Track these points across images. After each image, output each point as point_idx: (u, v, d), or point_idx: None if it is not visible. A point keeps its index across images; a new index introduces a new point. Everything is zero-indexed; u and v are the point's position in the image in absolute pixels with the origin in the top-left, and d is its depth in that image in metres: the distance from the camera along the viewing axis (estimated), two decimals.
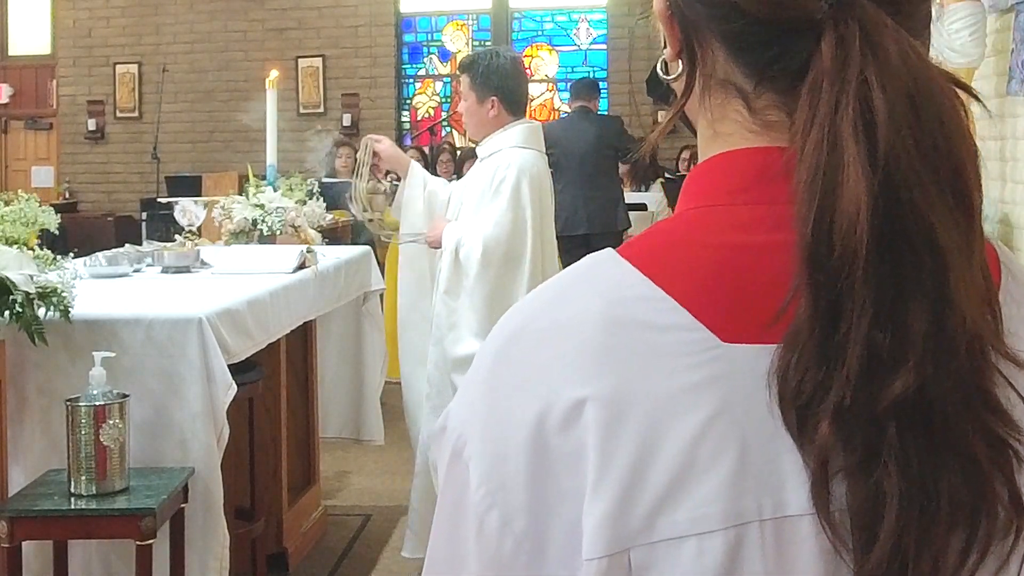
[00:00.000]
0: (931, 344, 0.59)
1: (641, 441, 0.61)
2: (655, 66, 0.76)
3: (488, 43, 11.56)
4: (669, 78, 0.74)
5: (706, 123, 0.72)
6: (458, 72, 3.91)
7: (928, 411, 0.59)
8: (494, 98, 3.72)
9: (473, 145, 4.85)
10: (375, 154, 3.96)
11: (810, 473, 0.60)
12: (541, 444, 0.63)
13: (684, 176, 7.97)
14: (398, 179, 4.05)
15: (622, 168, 8.09)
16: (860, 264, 0.59)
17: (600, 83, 8.25)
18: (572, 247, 7.42)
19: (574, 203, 7.35)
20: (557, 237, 7.48)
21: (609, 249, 0.69)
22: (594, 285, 0.67)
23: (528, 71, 11.47)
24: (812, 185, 0.61)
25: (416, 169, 3.99)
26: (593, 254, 0.70)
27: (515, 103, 3.79)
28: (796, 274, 0.61)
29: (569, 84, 11.52)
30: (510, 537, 0.64)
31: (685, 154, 9.20)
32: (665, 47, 0.74)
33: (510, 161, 3.66)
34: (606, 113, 8.03)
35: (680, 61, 0.73)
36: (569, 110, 8.48)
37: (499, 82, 3.73)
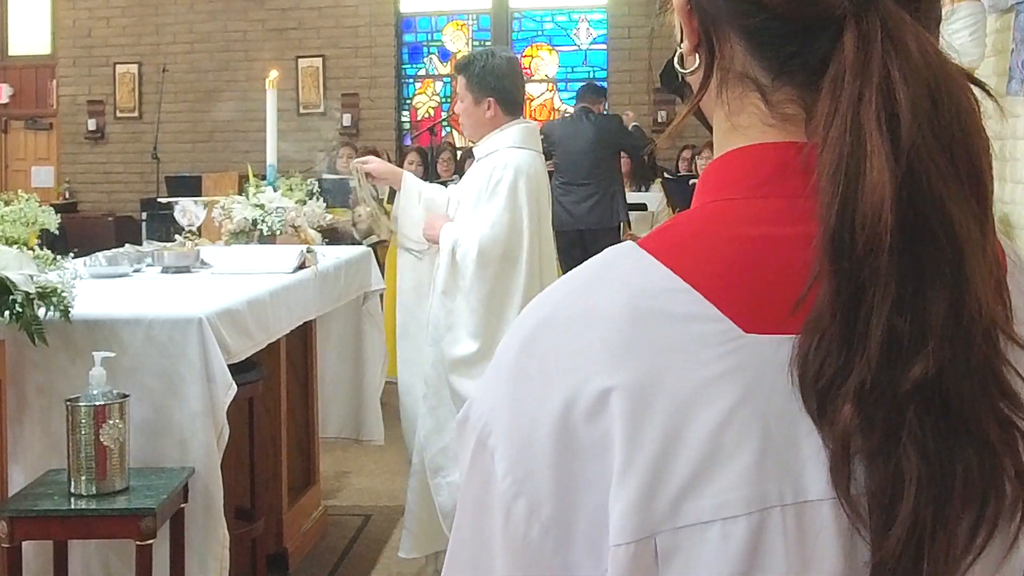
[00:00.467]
0: (949, 330, 0.61)
1: (666, 430, 0.63)
2: (670, 59, 0.76)
3: (488, 43, 11.56)
4: (686, 71, 0.75)
5: (723, 116, 0.73)
6: (454, 73, 3.89)
7: (945, 394, 0.61)
8: (491, 99, 3.72)
9: (472, 145, 4.83)
10: (367, 175, 3.96)
11: (829, 455, 0.62)
12: (568, 433, 0.64)
13: (684, 175, 8.00)
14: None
15: (624, 167, 8.11)
16: (884, 252, 0.61)
17: (603, 87, 8.31)
18: (567, 244, 7.44)
19: (569, 200, 7.41)
20: (559, 233, 7.43)
21: (630, 242, 0.70)
22: (618, 277, 0.68)
23: (528, 71, 11.54)
24: (836, 175, 0.62)
25: (409, 180, 3.98)
26: (614, 246, 0.71)
27: (512, 103, 3.78)
28: (818, 261, 0.62)
29: (568, 84, 11.57)
30: (537, 524, 0.65)
31: (686, 153, 9.20)
32: (682, 41, 0.74)
33: (507, 161, 3.66)
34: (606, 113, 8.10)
35: (697, 55, 0.73)
36: (572, 111, 8.52)
37: (495, 83, 3.72)
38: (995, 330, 0.63)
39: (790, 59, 0.68)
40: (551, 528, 0.65)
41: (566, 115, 9.28)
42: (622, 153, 7.92)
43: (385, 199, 7.42)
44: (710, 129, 0.76)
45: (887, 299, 0.61)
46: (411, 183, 3.97)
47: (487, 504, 0.67)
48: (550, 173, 7.47)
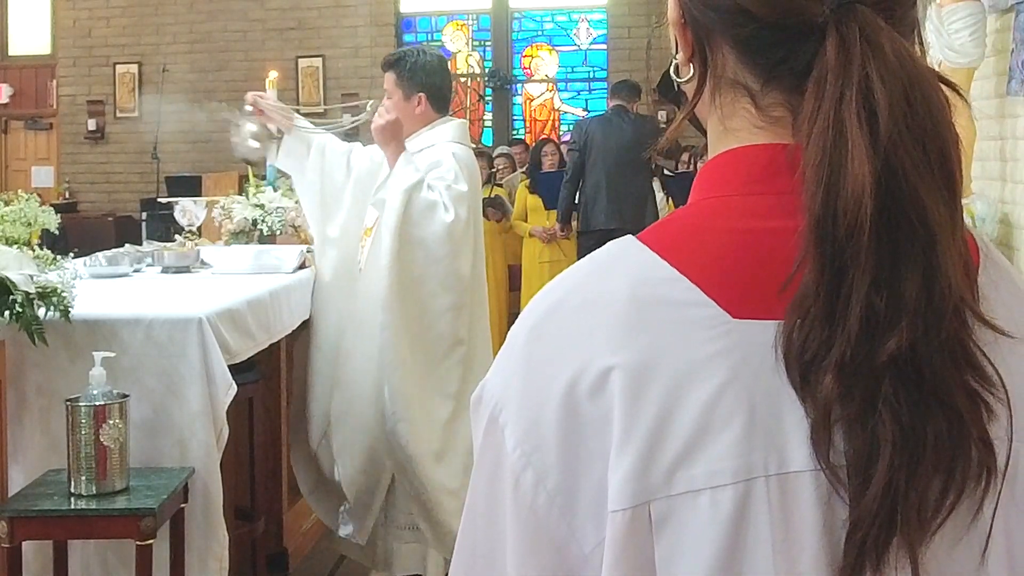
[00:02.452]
0: (922, 307, 0.67)
1: (662, 405, 0.68)
2: (666, 70, 0.82)
3: (488, 43, 11.56)
4: (682, 80, 0.81)
5: (716, 120, 0.79)
6: (383, 69, 3.84)
7: (918, 366, 0.67)
8: (421, 95, 3.72)
9: (474, 145, 4.79)
10: (257, 113, 3.88)
11: (811, 424, 0.67)
12: (572, 409, 0.70)
13: (682, 172, 7.99)
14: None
15: None
16: (864, 236, 0.66)
17: (638, 85, 8.18)
18: (594, 244, 7.38)
19: (601, 199, 7.33)
20: (582, 232, 7.41)
21: (629, 236, 0.76)
22: (619, 268, 0.74)
23: (528, 71, 11.55)
24: (820, 166, 0.68)
25: (299, 122, 3.92)
26: (614, 241, 0.77)
27: (441, 99, 3.80)
28: (803, 246, 0.68)
29: (569, 84, 11.57)
30: (543, 493, 0.71)
31: (684, 156, 9.20)
32: (677, 52, 0.80)
33: (454, 152, 3.66)
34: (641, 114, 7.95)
35: (692, 64, 0.79)
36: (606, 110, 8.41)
37: (425, 79, 3.73)
38: (963, 307, 0.68)
39: (778, 65, 0.74)
40: (556, 497, 0.70)
41: (600, 113, 9.15)
42: None
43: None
44: (704, 133, 0.82)
45: (866, 279, 0.67)
46: (300, 124, 3.92)
47: (498, 476, 0.73)
48: (580, 167, 7.47)
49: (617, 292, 0.72)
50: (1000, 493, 0.69)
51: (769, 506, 0.67)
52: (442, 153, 3.67)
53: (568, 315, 0.74)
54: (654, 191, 7.69)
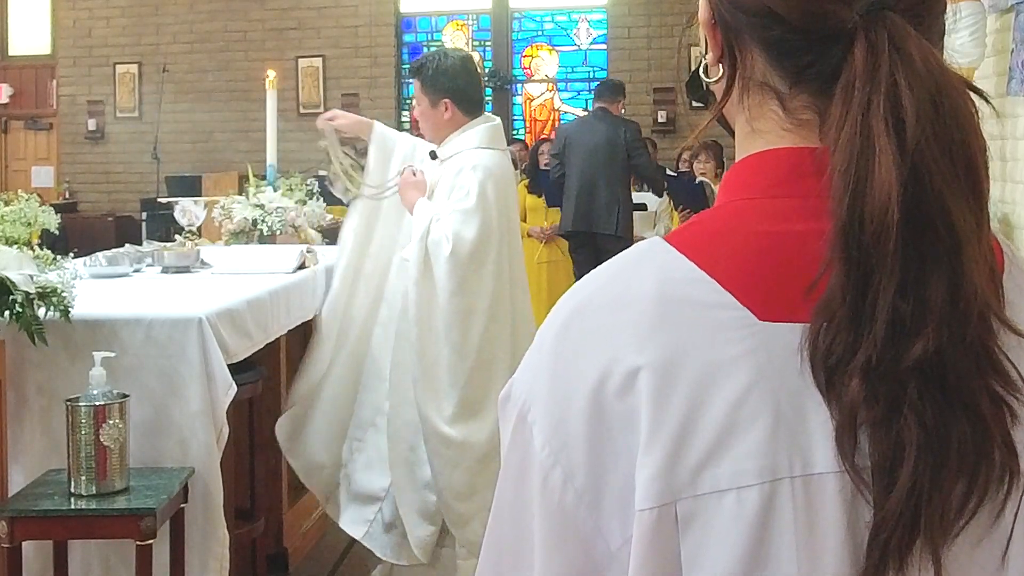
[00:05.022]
0: (947, 312, 0.68)
1: (688, 405, 0.69)
2: (695, 70, 0.83)
3: (488, 43, 11.56)
4: (710, 80, 0.82)
5: (744, 121, 0.80)
6: (410, 77, 3.82)
7: (943, 370, 0.68)
8: (447, 100, 3.65)
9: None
10: (336, 132, 3.91)
11: (836, 426, 0.68)
12: (600, 408, 0.71)
13: (684, 172, 7.95)
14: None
15: None
16: (891, 242, 0.67)
17: (621, 83, 8.09)
18: (577, 245, 7.36)
19: (579, 200, 7.28)
20: (567, 233, 7.30)
21: (657, 238, 0.77)
22: (647, 268, 0.75)
23: (528, 71, 11.55)
24: (847, 172, 0.69)
25: (379, 129, 3.92)
26: (643, 241, 0.78)
27: (469, 102, 3.70)
28: (830, 250, 0.69)
29: (569, 84, 11.57)
30: (571, 491, 0.72)
31: (685, 155, 9.20)
32: (707, 52, 0.81)
33: (474, 163, 3.59)
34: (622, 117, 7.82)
35: (721, 65, 0.80)
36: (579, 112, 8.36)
37: (449, 83, 3.65)
38: (989, 313, 0.69)
39: (806, 68, 0.75)
40: (584, 495, 0.72)
41: (583, 115, 9.09)
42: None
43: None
44: (731, 133, 0.83)
45: (892, 284, 0.67)
46: (379, 130, 3.91)
47: (527, 473, 0.74)
48: (561, 174, 7.42)
49: (643, 291, 0.73)
50: (1023, 497, 0.70)
51: (794, 507, 0.68)
52: (464, 163, 3.61)
53: (595, 314, 0.75)
54: (629, 195, 7.57)
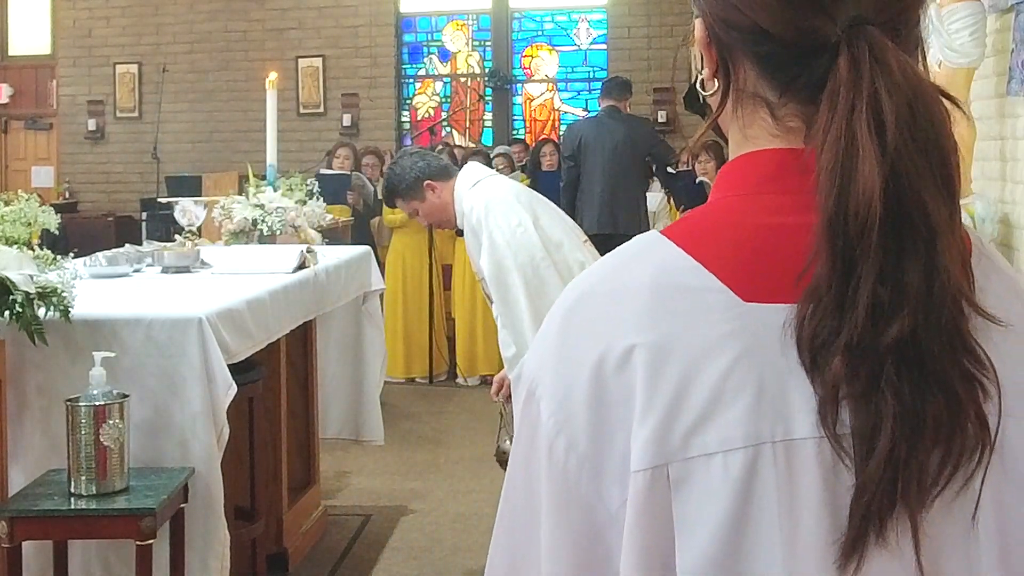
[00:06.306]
0: (922, 297, 0.74)
1: (679, 379, 0.76)
2: (692, 84, 0.90)
3: (488, 43, 11.56)
4: (707, 93, 0.89)
5: (737, 129, 0.87)
6: (392, 206, 3.92)
7: (919, 350, 0.74)
8: (426, 183, 3.68)
9: (473, 145, 4.77)
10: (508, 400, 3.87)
11: (819, 401, 0.75)
12: (600, 383, 0.78)
13: (683, 171, 7.96)
14: None
15: None
16: (873, 234, 0.74)
17: (629, 81, 8.02)
18: (602, 247, 7.28)
19: (601, 202, 7.20)
20: (590, 237, 7.37)
21: (654, 232, 0.85)
22: (644, 259, 0.82)
23: (528, 71, 11.55)
24: (833, 171, 0.75)
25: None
26: (641, 235, 0.86)
27: (439, 171, 3.72)
28: (816, 242, 0.75)
29: (569, 84, 11.57)
30: (574, 457, 0.79)
31: (684, 156, 9.20)
32: (703, 68, 0.89)
33: (474, 200, 3.61)
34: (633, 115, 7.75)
35: (716, 79, 0.87)
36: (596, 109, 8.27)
37: (415, 174, 3.68)
38: (960, 298, 0.76)
39: (794, 80, 0.82)
40: (585, 461, 0.79)
41: (592, 114, 9.00)
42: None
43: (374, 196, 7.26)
44: (726, 141, 0.90)
45: (873, 272, 0.74)
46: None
47: (535, 443, 0.82)
48: (576, 178, 7.35)
49: (641, 281, 0.80)
50: (989, 463, 0.76)
51: (776, 469, 0.75)
52: (473, 203, 3.62)
53: (597, 301, 0.82)
54: (646, 195, 7.57)
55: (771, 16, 0.81)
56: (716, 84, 0.87)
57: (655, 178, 8.05)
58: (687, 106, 0.97)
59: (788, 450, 0.75)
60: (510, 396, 3.79)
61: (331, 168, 8.22)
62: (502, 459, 3.83)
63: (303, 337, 4.45)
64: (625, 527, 0.77)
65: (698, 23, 0.88)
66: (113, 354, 2.89)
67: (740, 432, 0.75)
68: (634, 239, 0.86)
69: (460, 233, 3.79)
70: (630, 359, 0.77)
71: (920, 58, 0.83)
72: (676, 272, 0.80)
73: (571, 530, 0.79)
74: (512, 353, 3.47)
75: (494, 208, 3.56)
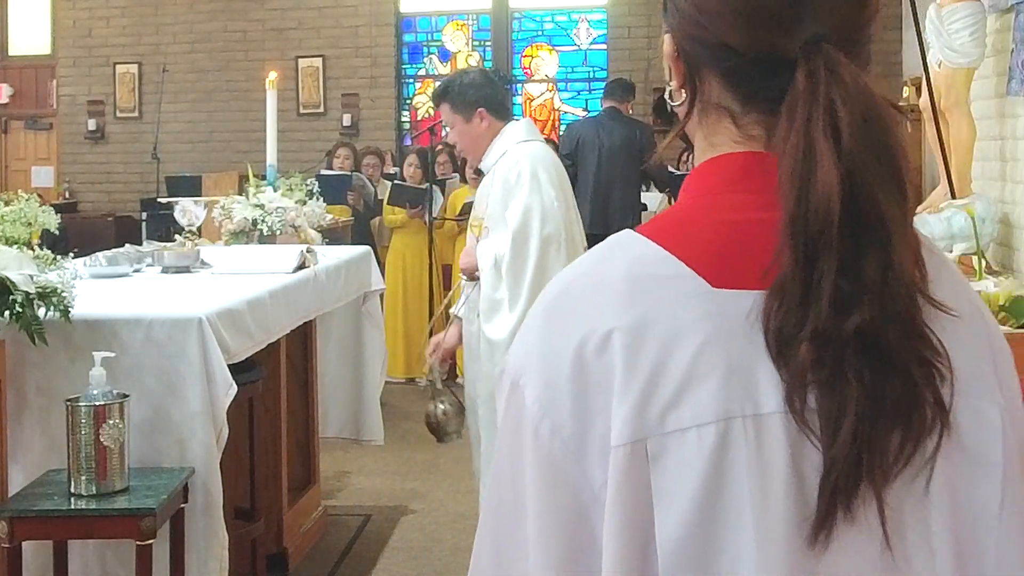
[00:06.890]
0: (880, 289, 0.81)
1: (654, 360, 0.82)
2: (661, 95, 0.97)
3: (488, 43, 11.56)
4: (675, 104, 0.96)
5: (702, 137, 0.94)
6: (435, 104, 3.86)
7: (877, 338, 0.80)
8: (480, 110, 3.70)
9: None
10: (442, 362, 3.85)
11: (786, 387, 0.81)
12: (581, 367, 0.84)
13: (683, 174, 7.97)
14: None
15: None
16: (834, 231, 0.80)
17: (631, 83, 8.03)
18: (593, 246, 7.29)
19: (593, 202, 7.22)
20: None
21: (628, 230, 0.90)
22: (619, 253, 0.88)
23: (528, 71, 11.55)
24: (793, 175, 0.82)
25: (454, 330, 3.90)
26: (616, 234, 0.91)
27: (501, 108, 3.78)
28: (781, 239, 0.81)
29: (569, 84, 11.56)
30: (559, 440, 0.84)
31: (685, 156, 9.22)
32: (671, 80, 0.95)
33: (520, 155, 3.63)
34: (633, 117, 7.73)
35: (684, 91, 0.94)
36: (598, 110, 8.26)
37: (477, 94, 3.71)
38: (914, 290, 0.82)
39: (756, 92, 0.89)
40: (569, 443, 0.83)
41: (593, 114, 8.99)
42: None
43: (385, 199, 7.31)
44: (692, 147, 0.97)
45: (834, 265, 0.80)
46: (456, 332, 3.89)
47: (520, 430, 0.86)
48: (573, 176, 7.36)
49: (618, 272, 0.86)
50: (941, 439, 0.83)
51: (746, 442, 0.80)
52: (519, 156, 3.64)
53: (577, 294, 0.87)
54: (640, 197, 7.55)
55: (736, 34, 0.87)
56: (683, 95, 0.94)
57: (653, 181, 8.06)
58: (656, 115, 1.02)
59: (757, 424, 0.80)
60: (443, 359, 3.83)
61: (331, 168, 8.22)
62: (430, 423, 3.87)
63: (303, 337, 4.45)
64: (607, 502, 0.81)
65: (667, 38, 0.94)
66: (113, 354, 2.89)
67: (711, 408, 0.80)
68: (609, 237, 0.91)
69: (465, 180, 3.78)
70: (609, 341, 0.83)
71: (868, 72, 0.89)
72: (650, 263, 0.85)
73: (558, 513, 0.83)
74: (492, 274, 3.52)
75: (541, 174, 3.61)
